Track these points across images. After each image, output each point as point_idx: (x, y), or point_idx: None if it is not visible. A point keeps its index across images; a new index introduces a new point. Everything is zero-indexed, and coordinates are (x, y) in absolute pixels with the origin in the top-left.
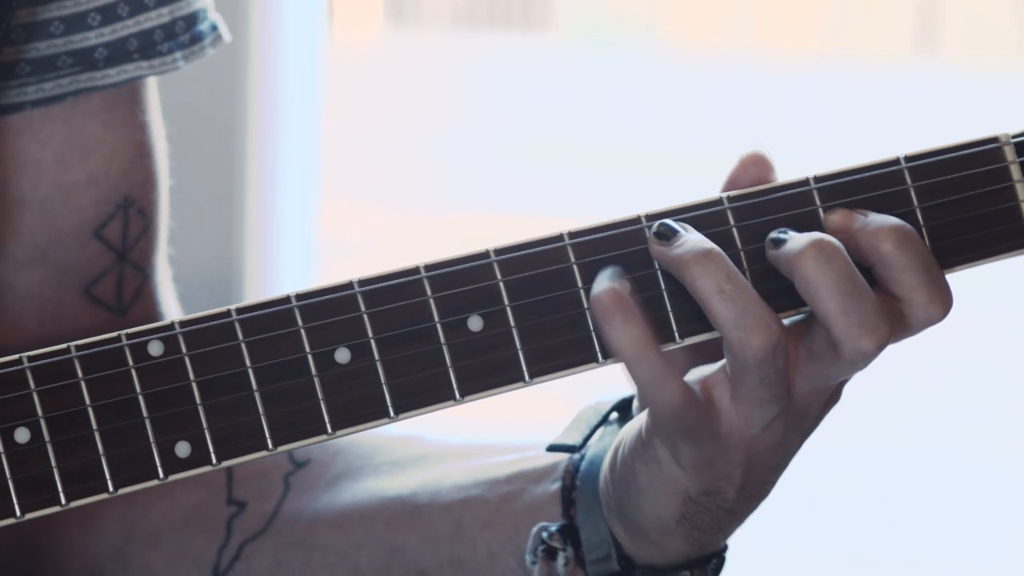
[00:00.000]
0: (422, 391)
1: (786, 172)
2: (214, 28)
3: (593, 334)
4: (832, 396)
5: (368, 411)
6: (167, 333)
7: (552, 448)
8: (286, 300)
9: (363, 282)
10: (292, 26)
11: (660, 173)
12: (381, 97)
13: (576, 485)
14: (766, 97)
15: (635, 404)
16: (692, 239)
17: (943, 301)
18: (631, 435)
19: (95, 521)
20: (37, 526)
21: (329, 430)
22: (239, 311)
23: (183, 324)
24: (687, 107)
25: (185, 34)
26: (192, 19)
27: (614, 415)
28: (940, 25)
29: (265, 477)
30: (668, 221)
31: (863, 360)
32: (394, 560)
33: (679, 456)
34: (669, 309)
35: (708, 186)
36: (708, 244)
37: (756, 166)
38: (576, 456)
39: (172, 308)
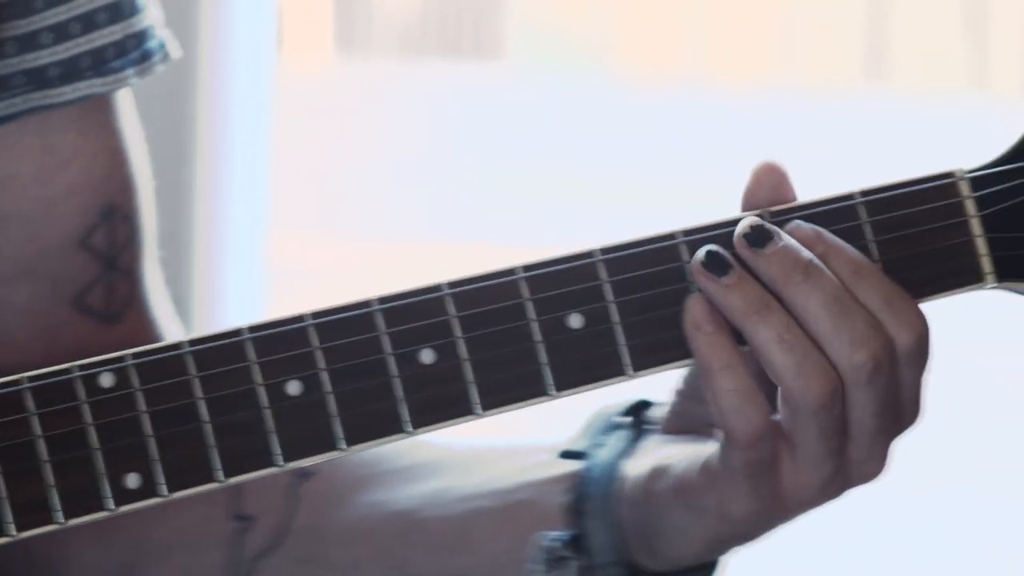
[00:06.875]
0: (374, 423)
1: (737, 201)
2: (162, 45)
3: (546, 368)
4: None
5: (319, 443)
6: (119, 365)
7: (563, 455)
8: (238, 332)
9: (316, 315)
10: (241, 54)
11: (614, 202)
12: (330, 126)
13: (586, 493)
14: (717, 124)
15: (667, 414)
16: (753, 289)
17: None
18: (676, 472)
19: (107, 535)
20: (50, 540)
21: (280, 462)
22: (191, 343)
23: (135, 356)
24: (640, 135)
25: (136, 51)
26: (142, 36)
27: (626, 419)
28: (890, 53)
29: (271, 490)
30: (718, 252)
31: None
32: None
33: (730, 507)
34: (624, 343)
35: (662, 214)
36: (768, 296)
37: (769, 175)
38: (586, 464)
39: (165, 313)
